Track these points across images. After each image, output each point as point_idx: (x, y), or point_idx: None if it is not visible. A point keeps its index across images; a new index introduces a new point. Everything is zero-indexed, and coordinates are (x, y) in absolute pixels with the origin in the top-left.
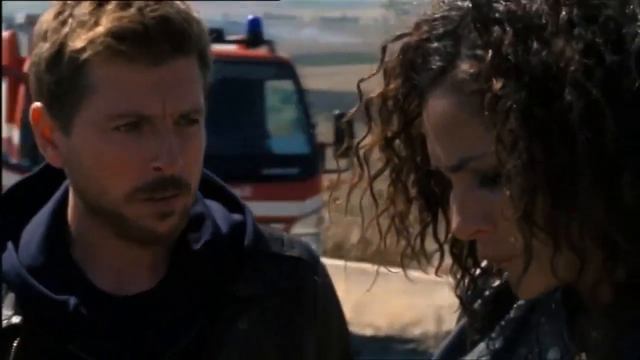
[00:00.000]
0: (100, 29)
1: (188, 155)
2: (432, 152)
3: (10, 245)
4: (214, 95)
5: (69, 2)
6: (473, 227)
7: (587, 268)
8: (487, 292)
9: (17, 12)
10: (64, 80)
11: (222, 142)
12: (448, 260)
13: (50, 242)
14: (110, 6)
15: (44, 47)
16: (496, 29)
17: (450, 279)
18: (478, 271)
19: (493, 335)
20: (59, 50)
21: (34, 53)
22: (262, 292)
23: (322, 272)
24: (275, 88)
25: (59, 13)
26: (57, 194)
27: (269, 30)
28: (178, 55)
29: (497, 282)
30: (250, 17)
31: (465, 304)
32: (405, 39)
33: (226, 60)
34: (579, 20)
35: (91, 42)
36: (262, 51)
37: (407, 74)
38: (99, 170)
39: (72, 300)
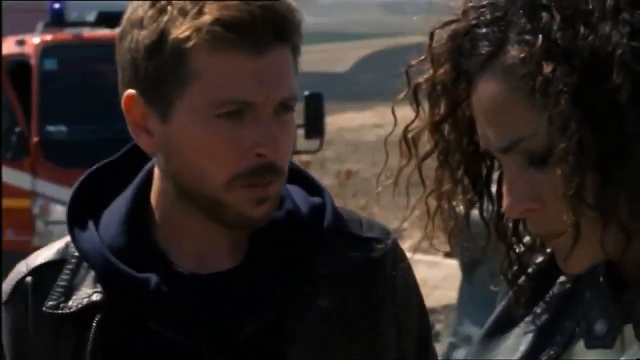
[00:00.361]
0: (206, 18)
1: (284, 142)
2: (482, 134)
3: (91, 225)
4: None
5: None
6: (523, 206)
7: (634, 244)
8: (530, 269)
9: (88, 12)
10: (165, 68)
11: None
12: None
13: (132, 223)
14: None
15: (141, 35)
16: (544, 14)
17: (426, 257)
18: (522, 248)
19: (538, 310)
20: (160, 38)
21: (127, 41)
22: (341, 270)
23: (401, 254)
24: None
25: (155, 2)
26: (139, 178)
27: None
28: (280, 44)
29: (540, 259)
30: None
31: (510, 280)
32: (454, 26)
33: None
34: (624, 5)
35: (197, 30)
36: None
37: (455, 59)
38: (200, 157)
39: (154, 279)
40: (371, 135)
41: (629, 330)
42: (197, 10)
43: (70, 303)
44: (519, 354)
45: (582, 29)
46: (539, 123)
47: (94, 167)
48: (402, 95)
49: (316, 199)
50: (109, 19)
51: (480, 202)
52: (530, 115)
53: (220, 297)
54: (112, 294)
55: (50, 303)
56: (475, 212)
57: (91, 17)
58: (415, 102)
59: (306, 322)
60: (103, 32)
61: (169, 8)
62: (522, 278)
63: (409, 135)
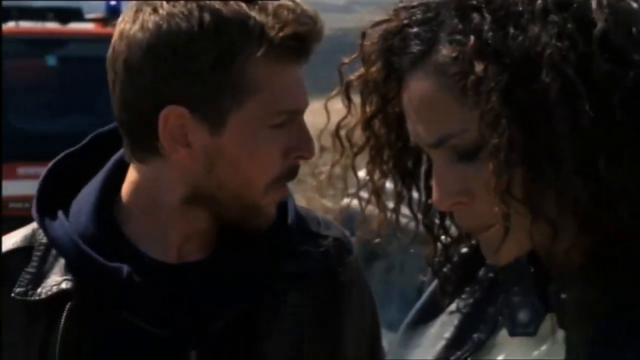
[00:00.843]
0: (276, 34)
1: None
2: (412, 130)
3: (60, 213)
4: (72, 74)
5: (206, 4)
6: (452, 199)
7: (560, 237)
8: (455, 258)
9: None
10: (228, 81)
11: (80, 121)
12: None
13: (101, 213)
14: (261, 9)
15: (198, 50)
16: (475, 15)
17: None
18: (448, 240)
19: (463, 296)
20: (226, 55)
21: (167, 56)
22: (308, 269)
23: (355, 251)
24: None
25: (202, 17)
26: (107, 168)
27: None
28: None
29: (464, 249)
30: None
31: (435, 269)
32: (385, 25)
33: (85, 38)
34: (552, 7)
35: (266, 46)
36: None
37: (386, 57)
38: (249, 165)
39: (126, 267)
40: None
41: (551, 318)
42: (260, 27)
43: (39, 290)
44: (443, 341)
45: (512, 30)
46: (469, 120)
47: (59, 156)
48: (334, 92)
49: None
50: None
51: (409, 195)
52: (461, 113)
53: (191, 288)
54: (83, 282)
55: (19, 290)
56: (370, 207)
57: None
58: (347, 99)
59: (279, 319)
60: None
61: (224, 24)
62: (447, 266)
63: (342, 132)
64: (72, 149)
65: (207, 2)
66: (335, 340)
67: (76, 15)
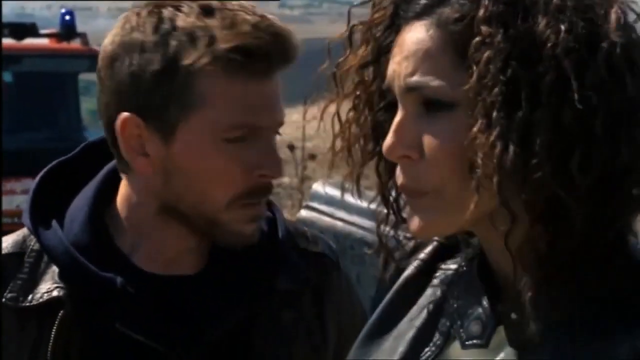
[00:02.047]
0: (221, 45)
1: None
2: (394, 68)
3: (54, 222)
4: (28, 89)
5: (165, 13)
6: (403, 150)
7: (515, 227)
8: (405, 273)
9: None
10: (174, 92)
11: (37, 136)
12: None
13: (93, 223)
14: (218, 21)
15: (145, 59)
16: None
17: None
18: (395, 206)
19: (415, 310)
20: (170, 65)
21: (122, 64)
22: (299, 286)
23: (342, 266)
24: (90, 80)
25: (158, 26)
26: (100, 177)
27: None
28: (284, 68)
29: (421, 256)
30: (63, 10)
31: (387, 284)
32: None
33: (40, 54)
34: (570, 5)
35: (212, 57)
36: (75, 44)
37: (396, 4)
38: (204, 179)
39: (119, 279)
40: None
41: (502, 333)
42: (208, 38)
43: (30, 297)
44: (397, 355)
45: (522, 13)
46: (453, 78)
47: (50, 165)
48: (340, 33)
49: (267, 213)
50: None
51: (378, 157)
52: (449, 69)
53: (184, 301)
54: (76, 291)
55: (10, 295)
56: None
57: None
58: (350, 44)
59: (273, 333)
60: None
61: (175, 34)
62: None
63: (337, 73)
64: (64, 157)
65: (172, 13)
66: (322, 352)
67: (31, 31)
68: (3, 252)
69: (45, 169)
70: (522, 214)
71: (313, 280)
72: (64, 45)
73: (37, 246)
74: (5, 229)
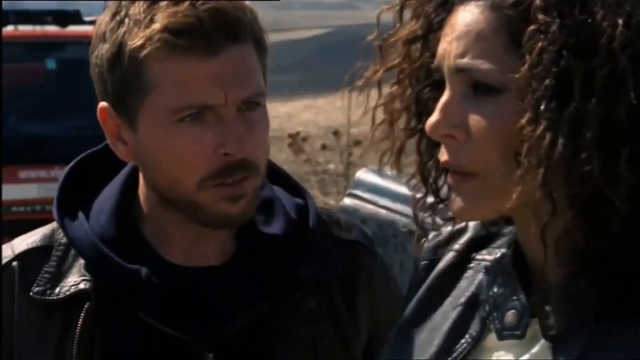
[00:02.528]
0: (156, 26)
1: (254, 139)
2: (445, 47)
3: (81, 214)
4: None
5: (124, 2)
6: (448, 129)
7: (555, 218)
8: (440, 263)
9: None
10: (126, 79)
11: (80, 124)
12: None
13: (121, 215)
14: (163, 3)
15: (104, 48)
16: None
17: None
18: (434, 187)
19: (449, 301)
20: (119, 50)
21: (94, 55)
22: (327, 274)
23: (379, 254)
24: None
25: (115, 14)
26: (126, 168)
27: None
28: (233, 44)
29: (456, 246)
30: None
31: (421, 228)
32: None
33: (84, 41)
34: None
35: (148, 39)
36: None
37: None
38: (169, 163)
39: (144, 270)
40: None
41: (536, 322)
42: (148, 19)
43: (57, 290)
44: (434, 347)
45: (580, 4)
46: (504, 62)
47: (80, 156)
48: (389, 6)
49: (299, 200)
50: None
51: (420, 135)
52: (500, 52)
53: (209, 292)
54: (102, 283)
55: (37, 289)
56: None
57: None
58: (400, 18)
59: (295, 323)
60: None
61: (127, 20)
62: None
63: (384, 44)
64: (93, 149)
65: (129, 2)
66: (353, 343)
67: (75, 18)
68: (31, 246)
69: (74, 161)
70: (563, 206)
71: (344, 268)
72: None
73: (65, 239)
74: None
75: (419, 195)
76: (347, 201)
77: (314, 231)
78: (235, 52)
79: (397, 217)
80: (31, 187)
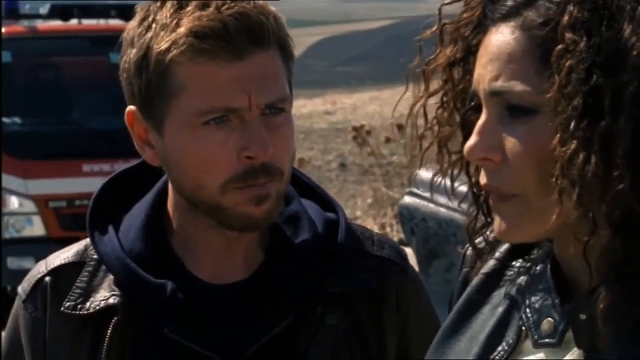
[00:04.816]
0: (181, 30)
1: (277, 143)
2: (479, 73)
3: (111, 229)
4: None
5: (152, 7)
6: (485, 153)
7: (595, 239)
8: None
9: (42, 5)
10: (153, 83)
11: None
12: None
13: (150, 230)
14: (190, 8)
15: (132, 53)
16: None
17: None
18: (486, 207)
19: (488, 309)
20: (146, 55)
21: (123, 60)
22: (353, 290)
23: (412, 272)
24: None
25: (144, 19)
26: (158, 184)
27: None
28: (258, 49)
29: (486, 268)
30: None
31: (475, 248)
32: None
33: None
34: None
35: (174, 43)
36: None
37: (486, 5)
38: (193, 166)
39: (170, 285)
40: (322, 123)
41: (571, 331)
42: (175, 24)
43: (88, 305)
44: (472, 356)
45: (607, 21)
46: (536, 84)
47: (117, 172)
48: (429, 31)
49: (331, 215)
50: (62, 11)
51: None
52: (532, 74)
53: (233, 308)
54: (129, 298)
55: (69, 304)
56: (440, 210)
57: (44, 9)
58: (441, 42)
59: (317, 340)
60: (57, 24)
61: (154, 25)
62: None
63: (426, 69)
64: (129, 166)
65: (157, 8)
66: (379, 357)
67: (128, 14)
68: (64, 262)
69: (109, 177)
70: (602, 225)
71: (370, 284)
72: None
73: (96, 255)
74: None
75: (471, 217)
76: (408, 200)
77: (342, 247)
78: (259, 57)
79: (457, 215)
80: (94, 180)
